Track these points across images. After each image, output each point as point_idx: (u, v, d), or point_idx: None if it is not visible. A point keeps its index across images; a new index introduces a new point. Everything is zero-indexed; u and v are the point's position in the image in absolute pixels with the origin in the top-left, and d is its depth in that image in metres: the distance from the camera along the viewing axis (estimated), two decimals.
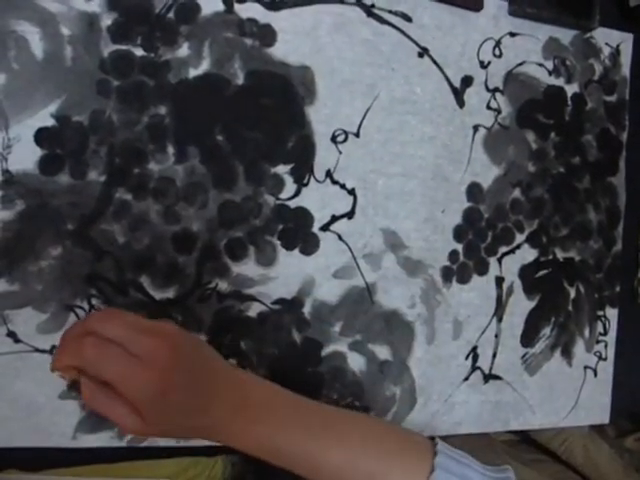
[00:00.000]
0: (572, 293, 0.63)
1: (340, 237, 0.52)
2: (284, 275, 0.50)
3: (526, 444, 0.75)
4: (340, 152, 0.52)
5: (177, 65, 0.47)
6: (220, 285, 0.48)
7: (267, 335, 0.50)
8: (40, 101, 0.43)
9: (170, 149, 0.47)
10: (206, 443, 0.47)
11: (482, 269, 0.58)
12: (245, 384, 0.39)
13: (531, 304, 0.61)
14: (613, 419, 0.66)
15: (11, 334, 0.43)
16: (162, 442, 0.46)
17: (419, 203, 0.55)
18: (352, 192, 0.53)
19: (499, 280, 0.59)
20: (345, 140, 0.53)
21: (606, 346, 0.65)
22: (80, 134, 0.44)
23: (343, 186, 0.53)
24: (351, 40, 0.53)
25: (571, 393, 0.63)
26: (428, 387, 0.56)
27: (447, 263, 0.57)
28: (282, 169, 0.50)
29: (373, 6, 0.53)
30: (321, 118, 0.52)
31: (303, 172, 0.51)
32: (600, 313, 0.65)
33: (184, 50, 0.47)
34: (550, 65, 0.61)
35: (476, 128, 0.58)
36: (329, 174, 0.52)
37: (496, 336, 0.59)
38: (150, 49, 0.46)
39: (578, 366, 0.64)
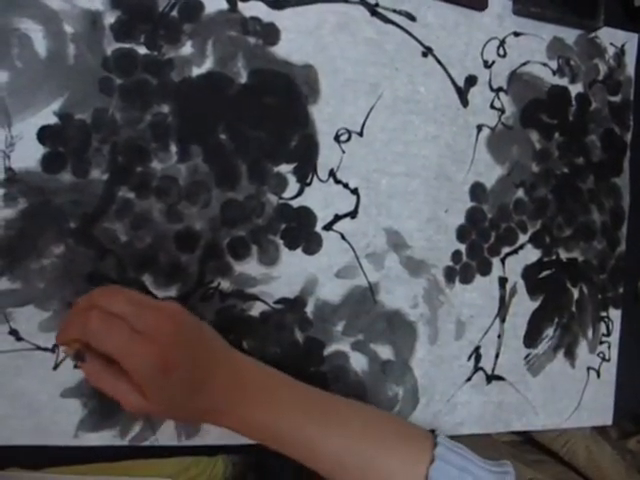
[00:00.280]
0: (575, 294, 0.63)
1: (343, 236, 0.52)
2: (287, 274, 0.50)
3: (528, 445, 0.74)
4: (343, 151, 0.52)
5: (180, 63, 0.47)
6: (222, 284, 0.48)
7: (269, 334, 0.50)
8: (43, 99, 0.43)
9: (173, 148, 0.47)
10: (207, 442, 0.48)
11: (485, 269, 0.58)
12: (243, 365, 0.40)
13: (534, 305, 0.61)
14: (616, 420, 0.66)
15: (13, 332, 0.43)
16: (164, 441, 0.46)
17: (422, 203, 0.55)
18: (355, 191, 0.53)
19: (502, 280, 0.59)
20: (348, 139, 0.52)
21: (609, 347, 0.65)
22: (83, 132, 0.44)
23: (346, 185, 0.52)
24: (355, 39, 0.52)
25: (574, 394, 0.63)
26: (430, 387, 0.56)
27: (450, 263, 0.57)
28: (285, 168, 0.50)
29: (377, 5, 0.53)
30: (324, 117, 0.51)
31: (306, 171, 0.51)
32: (603, 314, 0.65)
33: (187, 48, 0.47)
34: (554, 65, 0.61)
35: (480, 128, 0.58)
36: (332, 173, 0.52)
37: (499, 337, 0.59)
38: (153, 47, 0.46)
39: (581, 367, 0.63)
